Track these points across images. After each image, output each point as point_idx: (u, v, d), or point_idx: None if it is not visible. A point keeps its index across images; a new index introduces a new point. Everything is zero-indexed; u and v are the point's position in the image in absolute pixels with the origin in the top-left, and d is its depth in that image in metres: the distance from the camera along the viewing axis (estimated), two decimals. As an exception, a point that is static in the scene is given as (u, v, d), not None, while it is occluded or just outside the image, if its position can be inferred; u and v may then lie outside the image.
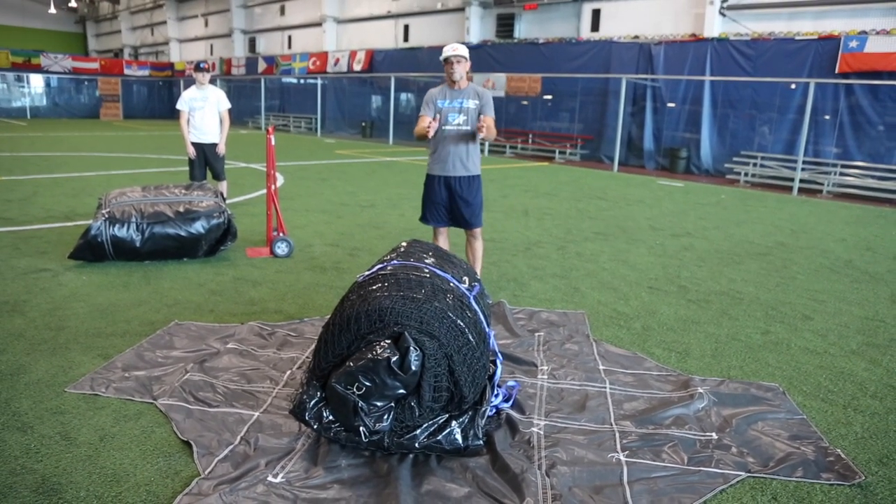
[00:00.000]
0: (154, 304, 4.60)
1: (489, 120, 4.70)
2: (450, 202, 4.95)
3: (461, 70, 4.71)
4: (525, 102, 20.55)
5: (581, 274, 5.97)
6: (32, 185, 9.97)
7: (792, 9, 15.67)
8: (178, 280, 5.22)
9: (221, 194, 6.02)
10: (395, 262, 3.04)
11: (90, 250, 5.37)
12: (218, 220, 5.64)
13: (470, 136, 4.83)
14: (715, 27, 16.81)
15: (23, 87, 35.06)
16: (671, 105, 17.37)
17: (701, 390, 3.47)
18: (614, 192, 11.98)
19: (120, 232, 5.34)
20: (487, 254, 6.57)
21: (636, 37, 18.31)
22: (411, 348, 2.58)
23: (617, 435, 3.05)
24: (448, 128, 4.82)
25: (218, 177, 7.81)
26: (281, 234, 6.10)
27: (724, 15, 16.84)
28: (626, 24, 18.79)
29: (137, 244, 5.40)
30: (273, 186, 6.09)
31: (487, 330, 3.06)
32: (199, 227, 5.55)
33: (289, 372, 3.49)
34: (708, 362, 3.99)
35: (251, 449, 2.76)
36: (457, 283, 2.99)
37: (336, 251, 6.44)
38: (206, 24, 37.02)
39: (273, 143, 6.14)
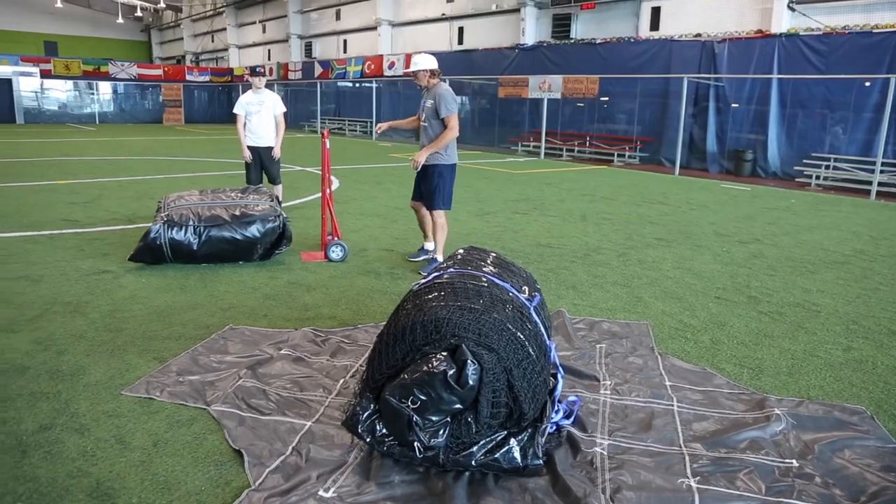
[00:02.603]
0: (209, 308, 4.61)
1: (418, 155, 5.61)
2: (419, 184, 5.87)
3: (421, 80, 5.69)
4: (580, 104, 20.17)
5: (643, 282, 5.73)
6: (98, 188, 10.28)
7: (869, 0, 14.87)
8: (234, 284, 5.23)
9: (277, 198, 6.03)
10: (452, 270, 2.91)
11: (149, 253, 5.44)
12: (273, 224, 5.63)
13: (434, 129, 5.64)
14: (783, 22, 16.12)
15: (92, 94, 36.54)
16: (735, 105, 16.75)
17: (778, 411, 3.22)
18: (676, 197, 11.58)
19: (178, 235, 5.39)
20: (545, 260, 6.39)
21: (698, 35, 17.74)
22: (469, 361, 2.44)
23: (687, 458, 2.84)
24: (421, 122, 5.82)
25: (273, 180, 7.86)
26: (336, 239, 6.06)
27: (793, 9, 16.13)
28: (687, 21, 18.23)
29: (194, 247, 5.44)
30: (328, 190, 6.07)
31: (548, 342, 2.90)
32: (254, 230, 5.55)
33: (342, 380, 3.40)
34: (784, 380, 3.72)
35: (302, 460, 2.68)
36: (516, 292, 2.84)
37: (391, 256, 6.37)
38: (264, 30, 37.84)
39: (328, 146, 6.11)
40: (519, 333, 2.57)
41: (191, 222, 5.42)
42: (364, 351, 3.78)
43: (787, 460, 2.84)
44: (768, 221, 9.22)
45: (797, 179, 14.96)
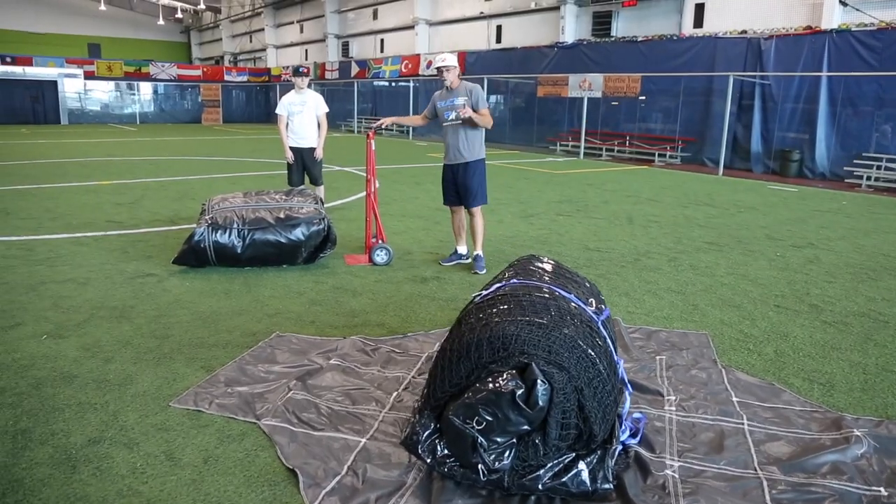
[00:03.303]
0: (255, 314, 4.52)
1: (467, 111, 5.46)
2: (455, 185, 5.77)
3: (450, 76, 5.62)
4: (614, 103, 19.72)
5: (698, 289, 5.50)
6: (141, 189, 10.37)
7: (927, -6, 14.26)
8: (278, 288, 5.14)
9: (321, 200, 5.94)
10: (515, 280, 2.76)
11: (193, 256, 5.40)
12: (318, 227, 5.54)
13: (464, 128, 5.62)
14: (834, 18, 15.57)
15: (133, 94, 37.26)
16: (779, 102, 16.20)
17: (857, 433, 3.00)
18: (722, 198, 11.24)
19: (222, 238, 5.33)
20: (594, 265, 6.20)
21: (743, 32, 17.25)
22: (539, 381, 2.29)
23: (764, 483, 2.65)
24: (446, 124, 5.72)
25: (315, 181, 7.79)
26: (380, 242, 5.95)
27: (845, 4, 15.56)
28: (732, 18, 17.74)
29: (238, 250, 5.38)
30: (372, 191, 5.97)
31: (617, 358, 2.73)
32: (298, 233, 5.47)
33: (395, 393, 3.27)
34: (858, 397, 3.48)
35: (359, 481, 2.56)
36: (583, 305, 2.67)
37: (436, 259, 6.22)
38: (302, 30, 38.10)
39: (373, 147, 6.02)
40: (590, 350, 2.41)
41: (235, 225, 5.37)
42: (415, 361, 3.66)
43: (874, 488, 2.62)
44: (821, 225, 8.87)
45: (847, 180, 14.42)
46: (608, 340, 2.63)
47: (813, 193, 12.52)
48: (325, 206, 7.43)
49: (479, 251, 5.89)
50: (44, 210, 8.37)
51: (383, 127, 5.91)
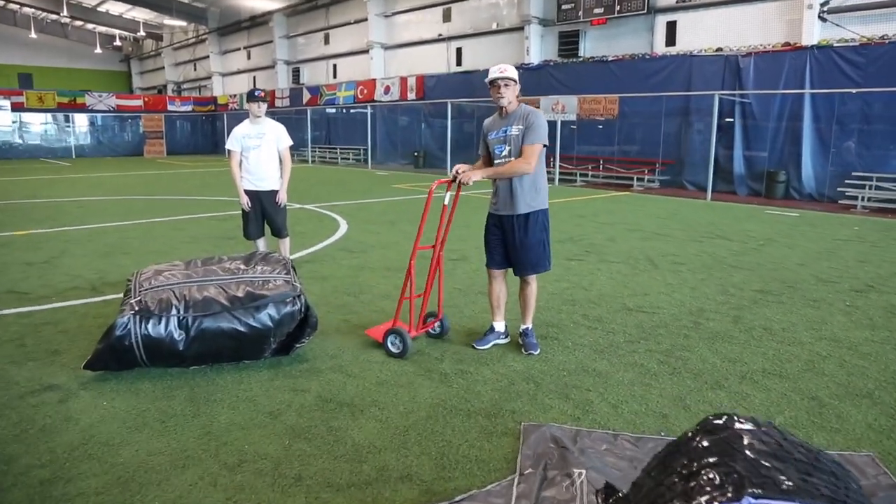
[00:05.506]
0: (206, 466, 2.90)
1: (473, 173, 4.14)
2: (504, 243, 4.36)
3: (510, 94, 4.15)
4: (573, 127, 18.71)
5: (799, 368, 4.18)
6: (62, 241, 8.58)
7: (910, 7, 13.73)
8: (240, 406, 3.51)
9: (293, 267, 4.38)
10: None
11: (114, 357, 3.74)
12: (291, 308, 3.94)
13: None
14: (814, 34, 14.95)
15: (68, 126, 34.75)
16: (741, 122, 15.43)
17: None
18: (730, 227, 10.14)
19: (155, 330, 3.71)
20: (651, 336, 4.81)
21: (719, 49, 16.52)
22: None
23: None
24: (497, 161, 4.29)
25: (279, 233, 6.24)
26: (437, 323, 4.52)
27: (824, 20, 14.95)
28: (705, 36, 17.01)
29: (181, 346, 3.77)
30: (439, 253, 4.49)
31: None
32: (265, 318, 3.88)
33: None
34: None
35: None
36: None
37: (449, 337, 4.68)
38: (249, 56, 36.39)
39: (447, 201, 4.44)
40: None
41: (174, 311, 3.76)
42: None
43: None
44: (857, 259, 7.81)
45: (840, 202, 13.68)
46: None
47: (816, 218, 11.63)
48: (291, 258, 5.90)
49: (528, 325, 4.47)
50: (-70, 276, 6.58)
51: (470, 182, 4.20)
